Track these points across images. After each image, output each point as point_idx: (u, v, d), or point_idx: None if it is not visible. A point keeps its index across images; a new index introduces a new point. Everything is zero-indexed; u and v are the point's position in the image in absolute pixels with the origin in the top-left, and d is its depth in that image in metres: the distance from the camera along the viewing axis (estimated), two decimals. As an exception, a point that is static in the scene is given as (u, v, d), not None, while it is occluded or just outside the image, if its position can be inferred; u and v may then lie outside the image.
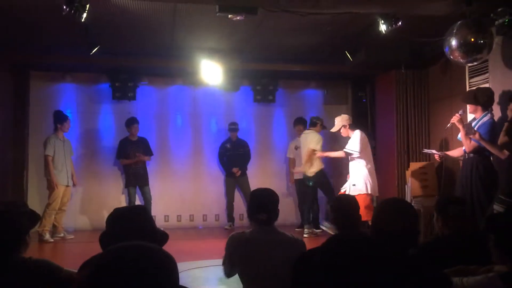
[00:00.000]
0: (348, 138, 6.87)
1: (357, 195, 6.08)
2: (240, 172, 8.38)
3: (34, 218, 2.46)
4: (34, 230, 6.96)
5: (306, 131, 7.78)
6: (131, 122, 8.02)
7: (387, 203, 2.28)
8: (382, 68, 7.77)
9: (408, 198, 7.12)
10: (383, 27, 5.21)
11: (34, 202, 7.75)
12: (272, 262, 2.70)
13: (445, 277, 2.07)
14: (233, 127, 8.50)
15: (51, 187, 7.21)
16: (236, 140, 8.54)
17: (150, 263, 1.15)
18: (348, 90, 9.28)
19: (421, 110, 7.64)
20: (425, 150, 6.76)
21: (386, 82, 7.90)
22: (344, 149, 6.82)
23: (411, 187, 7.04)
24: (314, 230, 7.84)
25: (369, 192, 6.61)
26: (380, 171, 8.08)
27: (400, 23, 5.15)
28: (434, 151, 6.37)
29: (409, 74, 7.61)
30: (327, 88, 9.21)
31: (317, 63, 7.92)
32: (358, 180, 6.63)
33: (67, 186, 7.37)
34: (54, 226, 7.34)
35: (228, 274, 2.93)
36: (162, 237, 2.04)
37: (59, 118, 7.42)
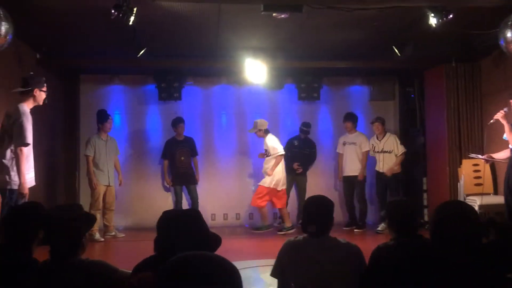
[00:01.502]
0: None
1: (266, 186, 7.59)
2: (301, 170, 8.30)
3: (90, 220, 2.51)
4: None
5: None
6: (177, 121, 8.09)
7: (448, 206, 2.18)
8: (431, 62, 7.54)
9: (461, 196, 6.90)
10: (433, 21, 5.03)
11: (86, 202, 7.96)
12: (323, 268, 2.65)
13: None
14: (305, 129, 8.40)
15: (91, 186, 7.38)
16: (305, 138, 8.45)
17: (217, 274, 1.13)
18: (395, 85, 9.06)
19: (473, 105, 7.37)
20: (472, 155, 6.55)
21: (435, 77, 7.66)
22: (274, 154, 7.61)
23: (464, 185, 6.81)
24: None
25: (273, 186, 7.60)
26: (431, 169, 7.89)
27: (451, 16, 4.96)
28: (480, 156, 6.18)
29: (459, 68, 7.36)
30: (373, 84, 9.02)
31: (362, 59, 7.76)
32: (278, 176, 7.62)
33: (109, 186, 7.47)
34: (105, 225, 7.52)
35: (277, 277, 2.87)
36: (215, 240, 2.04)
37: (101, 118, 7.54)
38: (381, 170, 7.80)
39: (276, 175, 7.60)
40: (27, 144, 4.55)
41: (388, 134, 7.96)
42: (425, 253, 2.27)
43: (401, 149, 7.77)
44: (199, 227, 2.05)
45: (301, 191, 8.36)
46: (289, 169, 8.12)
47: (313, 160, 8.57)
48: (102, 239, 7.30)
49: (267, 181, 7.62)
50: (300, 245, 2.78)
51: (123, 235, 7.64)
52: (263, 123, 7.74)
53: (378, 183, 7.94)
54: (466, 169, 6.88)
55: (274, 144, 7.65)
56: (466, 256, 1.97)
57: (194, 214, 2.13)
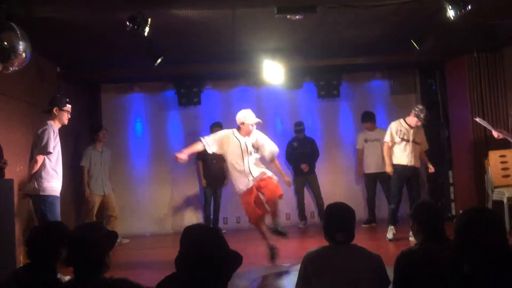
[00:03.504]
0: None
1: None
2: (308, 168, 8.28)
3: (112, 238, 2.52)
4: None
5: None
6: (214, 126, 8.03)
7: (471, 213, 2.12)
8: (452, 54, 7.40)
9: (488, 188, 6.75)
10: (451, 13, 4.91)
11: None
12: (347, 277, 2.62)
13: None
14: (299, 128, 8.38)
15: (83, 196, 7.48)
16: (303, 138, 8.43)
17: None
18: (416, 78, 8.92)
19: (497, 95, 7.22)
20: (478, 119, 6.46)
21: (457, 68, 7.52)
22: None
23: (492, 177, 6.66)
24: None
25: None
26: (456, 162, 7.74)
27: (469, 7, 4.84)
28: (488, 125, 6.18)
29: (482, 58, 7.21)
30: (394, 78, 8.90)
31: (381, 54, 7.64)
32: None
33: (105, 195, 7.53)
34: None
35: None
36: (236, 258, 2.03)
37: (94, 129, 7.74)
38: (410, 164, 6.56)
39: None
40: (48, 153, 4.82)
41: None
42: (450, 261, 2.22)
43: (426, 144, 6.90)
44: (220, 245, 2.05)
45: (315, 188, 8.33)
46: (297, 171, 8.18)
47: (317, 156, 8.51)
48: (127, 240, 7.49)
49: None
50: (324, 254, 2.76)
51: (128, 240, 7.63)
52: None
53: (400, 178, 6.61)
54: (493, 160, 6.72)
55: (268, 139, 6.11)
56: (491, 266, 1.92)
57: (215, 233, 2.13)
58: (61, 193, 5.07)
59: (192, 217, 8.48)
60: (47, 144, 4.80)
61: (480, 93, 7.24)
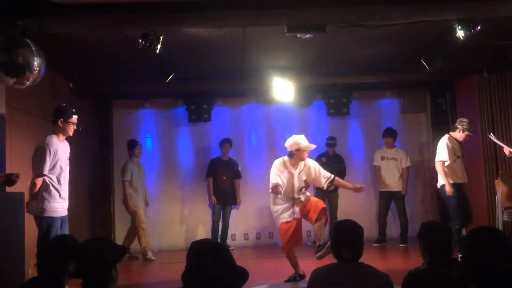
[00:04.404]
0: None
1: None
2: (332, 187, 8.18)
3: (120, 252, 2.53)
4: (138, 250, 7.56)
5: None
6: (224, 142, 8.23)
7: (480, 233, 2.11)
8: (462, 73, 7.42)
9: (498, 209, 6.69)
10: (460, 33, 4.93)
11: (121, 228, 8.17)
12: None
13: None
14: (331, 142, 8.39)
15: (130, 211, 7.57)
16: (333, 155, 8.41)
17: None
18: (426, 97, 8.92)
19: (507, 114, 7.20)
20: (492, 136, 6.37)
21: (467, 87, 7.52)
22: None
23: (502, 198, 6.60)
24: None
25: None
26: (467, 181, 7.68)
27: (479, 27, 4.86)
28: (502, 144, 6.05)
29: (492, 78, 7.22)
30: (404, 96, 8.90)
31: (391, 73, 7.69)
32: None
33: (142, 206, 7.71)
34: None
35: None
36: (242, 275, 2.04)
37: (130, 145, 7.83)
38: (465, 181, 6.44)
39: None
40: (42, 175, 4.68)
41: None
42: (457, 281, 2.21)
43: None
44: (227, 261, 2.06)
45: (332, 207, 8.27)
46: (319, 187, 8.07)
47: (344, 176, 8.47)
48: (153, 258, 7.50)
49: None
50: (331, 272, 2.75)
51: (153, 258, 7.62)
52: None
53: (459, 197, 6.29)
54: (503, 181, 6.67)
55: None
56: (499, 284, 1.90)
57: (222, 248, 2.14)
58: (73, 208, 5.05)
59: (201, 234, 8.49)
60: (40, 166, 4.65)
61: (490, 113, 7.24)
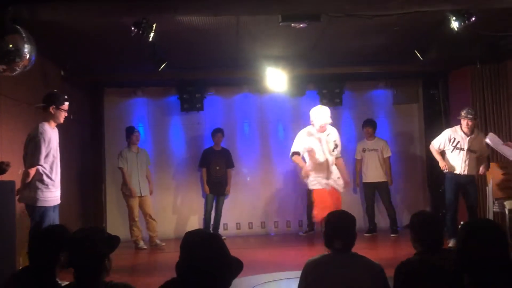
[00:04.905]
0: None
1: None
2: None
3: (113, 242, 2.51)
4: (129, 240, 7.42)
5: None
6: (216, 131, 8.16)
7: (474, 224, 2.12)
8: (455, 65, 7.43)
9: (489, 200, 6.74)
10: (455, 24, 4.93)
11: (113, 214, 8.15)
12: (347, 286, 2.62)
13: None
14: None
15: (126, 197, 7.49)
16: None
17: None
18: (419, 88, 8.94)
19: (500, 106, 7.23)
20: (489, 141, 6.33)
21: (460, 79, 7.54)
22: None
23: (493, 189, 6.65)
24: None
25: None
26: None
27: (473, 18, 4.86)
28: (499, 140, 6.09)
29: (485, 69, 7.23)
30: (397, 87, 8.90)
31: (385, 63, 7.67)
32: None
33: (141, 196, 7.54)
34: (149, 235, 7.65)
35: None
36: (237, 265, 2.03)
37: (127, 133, 7.72)
38: (463, 173, 6.46)
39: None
40: (36, 165, 4.61)
41: (476, 131, 6.54)
42: (450, 272, 2.22)
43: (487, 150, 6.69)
44: (221, 251, 2.05)
45: None
46: None
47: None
48: (145, 247, 7.45)
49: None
50: (325, 262, 2.76)
51: (164, 244, 7.63)
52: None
53: (453, 187, 6.49)
54: (494, 172, 6.72)
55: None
56: (492, 279, 1.91)
57: (216, 238, 2.13)
58: (64, 197, 5.01)
59: (194, 223, 8.47)
60: (35, 157, 4.58)
61: (483, 104, 7.27)
